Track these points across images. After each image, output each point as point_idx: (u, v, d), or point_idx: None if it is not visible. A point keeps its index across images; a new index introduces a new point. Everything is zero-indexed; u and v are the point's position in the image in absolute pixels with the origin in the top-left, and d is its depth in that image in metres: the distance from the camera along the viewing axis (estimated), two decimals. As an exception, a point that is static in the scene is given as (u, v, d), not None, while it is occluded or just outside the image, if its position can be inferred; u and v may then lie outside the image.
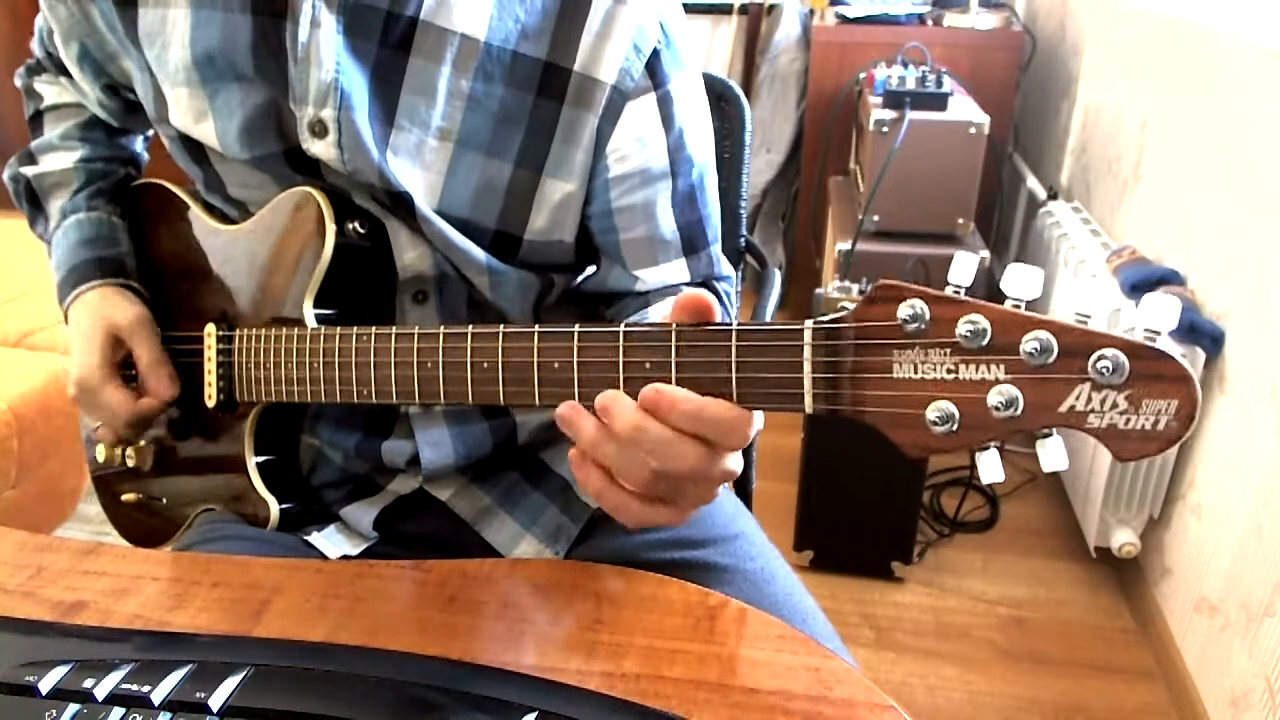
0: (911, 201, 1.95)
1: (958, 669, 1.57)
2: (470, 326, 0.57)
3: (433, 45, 0.66)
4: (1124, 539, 1.62)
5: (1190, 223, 1.55)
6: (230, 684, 0.48)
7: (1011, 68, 2.31)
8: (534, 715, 0.46)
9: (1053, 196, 2.16)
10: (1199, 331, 1.39)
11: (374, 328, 0.62)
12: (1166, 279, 1.51)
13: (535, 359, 0.55)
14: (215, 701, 0.47)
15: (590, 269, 0.80)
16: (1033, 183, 2.32)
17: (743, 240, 1.02)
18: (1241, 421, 1.34)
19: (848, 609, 1.71)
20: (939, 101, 1.93)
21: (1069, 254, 1.86)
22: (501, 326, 0.56)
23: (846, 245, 1.97)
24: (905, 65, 2.08)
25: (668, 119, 0.71)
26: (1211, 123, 1.50)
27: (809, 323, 0.47)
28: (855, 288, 1.71)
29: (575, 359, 0.54)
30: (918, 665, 1.58)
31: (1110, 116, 1.96)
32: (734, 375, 0.49)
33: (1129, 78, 1.88)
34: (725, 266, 0.79)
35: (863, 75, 2.20)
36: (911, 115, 1.89)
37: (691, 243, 0.75)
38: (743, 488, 0.98)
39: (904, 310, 0.44)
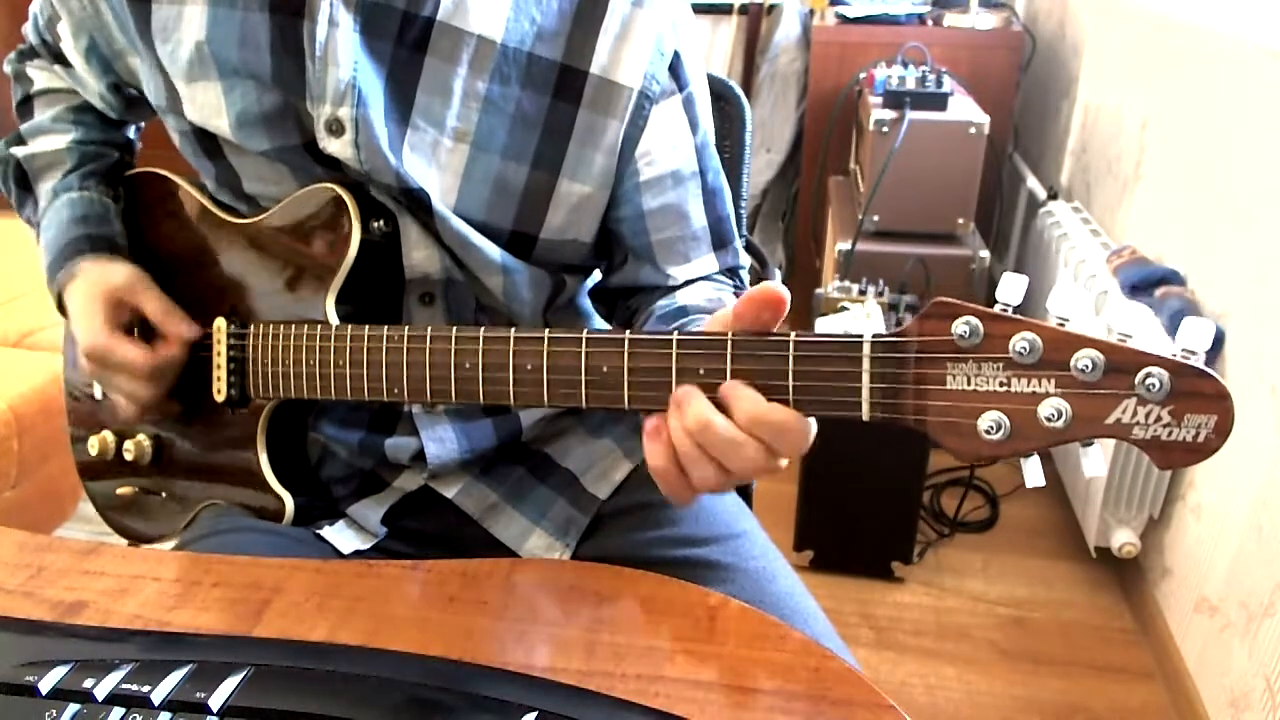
0: (911, 201, 1.95)
1: (958, 669, 1.57)
2: (512, 330, 0.58)
3: (449, 46, 0.66)
4: (1124, 539, 1.62)
5: (1190, 223, 1.55)
6: (230, 684, 0.48)
7: (1011, 68, 2.31)
8: (534, 715, 0.46)
9: (1053, 196, 2.16)
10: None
11: (405, 327, 0.62)
12: (1166, 279, 1.51)
13: (584, 363, 0.55)
14: (215, 701, 0.47)
15: (598, 273, 0.80)
16: (1033, 183, 2.32)
17: (743, 240, 1.02)
18: (1241, 422, 1.33)
19: (848, 609, 1.71)
20: (939, 101, 1.93)
21: (1069, 254, 1.86)
22: (546, 330, 0.57)
23: (846, 245, 1.97)
24: (905, 65, 2.08)
25: (693, 121, 0.72)
26: (1211, 123, 1.50)
27: (868, 335, 0.50)
28: (855, 288, 1.71)
29: (625, 364, 0.54)
30: (918, 665, 1.58)
31: (1110, 116, 1.96)
32: (790, 383, 0.51)
33: (1129, 78, 1.88)
34: (744, 256, 0.81)
35: (863, 75, 2.20)
36: (911, 115, 1.89)
37: (721, 238, 0.77)
38: (743, 488, 0.98)
39: (959, 326, 0.47)
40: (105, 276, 0.74)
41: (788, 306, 0.51)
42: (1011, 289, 0.49)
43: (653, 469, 0.54)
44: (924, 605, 1.72)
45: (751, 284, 1.00)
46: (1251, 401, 1.30)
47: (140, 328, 0.76)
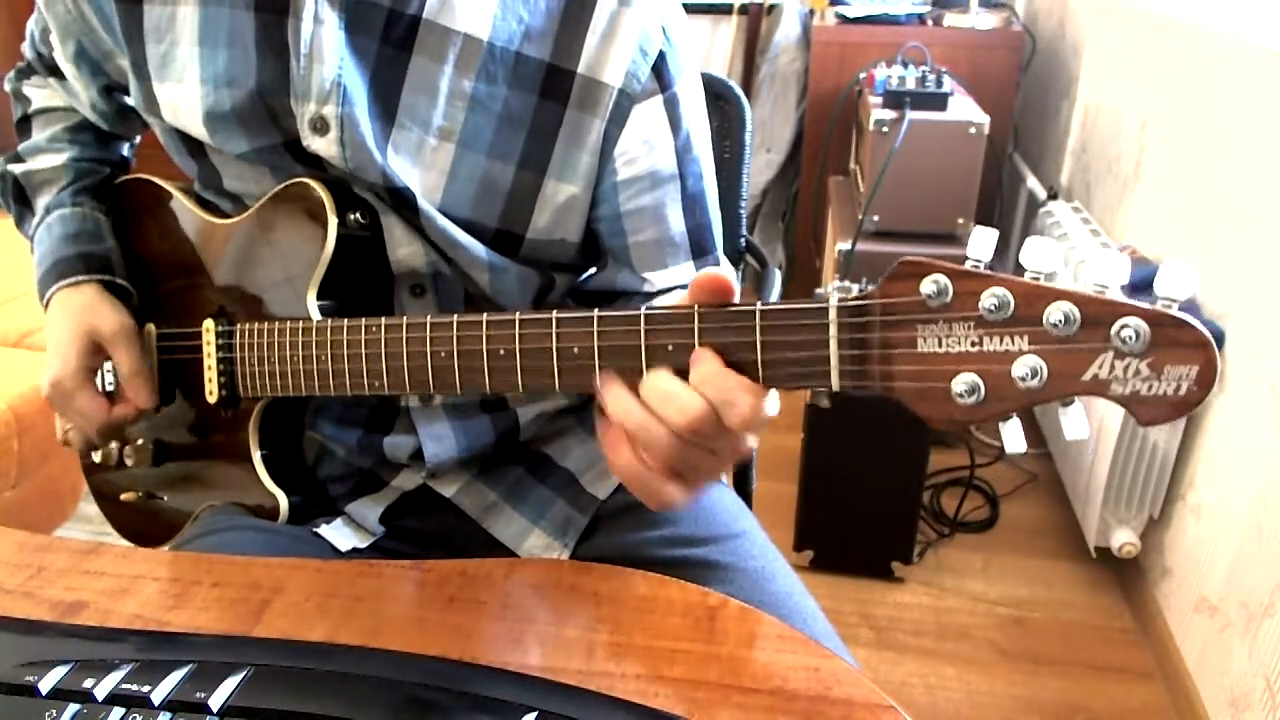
0: (911, 201, 1.95)
1: (958, 669, 1.57)
2: (485, 314, 0.57)
3: (435, 44, 0.66)
4: (1124, 539, 1.62)
5: (1190, 223, 1.55)
6: (230, 684, 0.48)
7: (1011, 68, 2.31)
8: (534, 715, 0.46)
9: (1053, 196, 2.16)
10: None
11: (383, 319, 0.62)
12: (1166, 279, 1.51)
13: (555, 344, 0.55)
14: (215, 701, 0.47)
15: (592, 269, 0.80)
16: (1033, 183, 2.32)
17: (743, 240, 1.02)
18: (1241, 421, 1.34)
19: (848, 609, 1.71)
20: (939, 101, 1.93)
21: (1069, 254, 1.86)
22: (518, 313, 0.56)
23: (846, 245, 1.97)
24: (905, 65, 2.08)
25: (675, 121, 0.71)
26: (1211, 123, 1.50)
27: (833, 300, 0.48)
28: (855, 288, 1.71)
29: (596, 343, 0.54)
30: (918, 665, 1.58)
31: (1110, 116, 1.96)
32: (759, 356, 0.50)
33: (1129, 78, 1.88)
34: (729, 270, 0.79)
35: (863, 75, 2.20)
36: (911, 115, 1.89)
37: (700, 245, 0.75)
38: (743, 488, 0.98)
39: (927, 285, 0.45)
40: (94, 317, 0.74)
41: (735, 293, 0.50)
42: (981, 244, 0.46)
43: (622, 475, 0.53)
44: (924, 605, 1.72)
45: (752, 287, 1.00)
46: (1251, 401, 1.30)
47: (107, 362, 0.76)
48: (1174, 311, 0.41)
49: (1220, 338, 1.39)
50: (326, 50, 0.64)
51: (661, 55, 0.69)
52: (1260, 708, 1.23)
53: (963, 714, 1.49)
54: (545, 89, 0.67)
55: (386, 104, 0.67)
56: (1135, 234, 1.77)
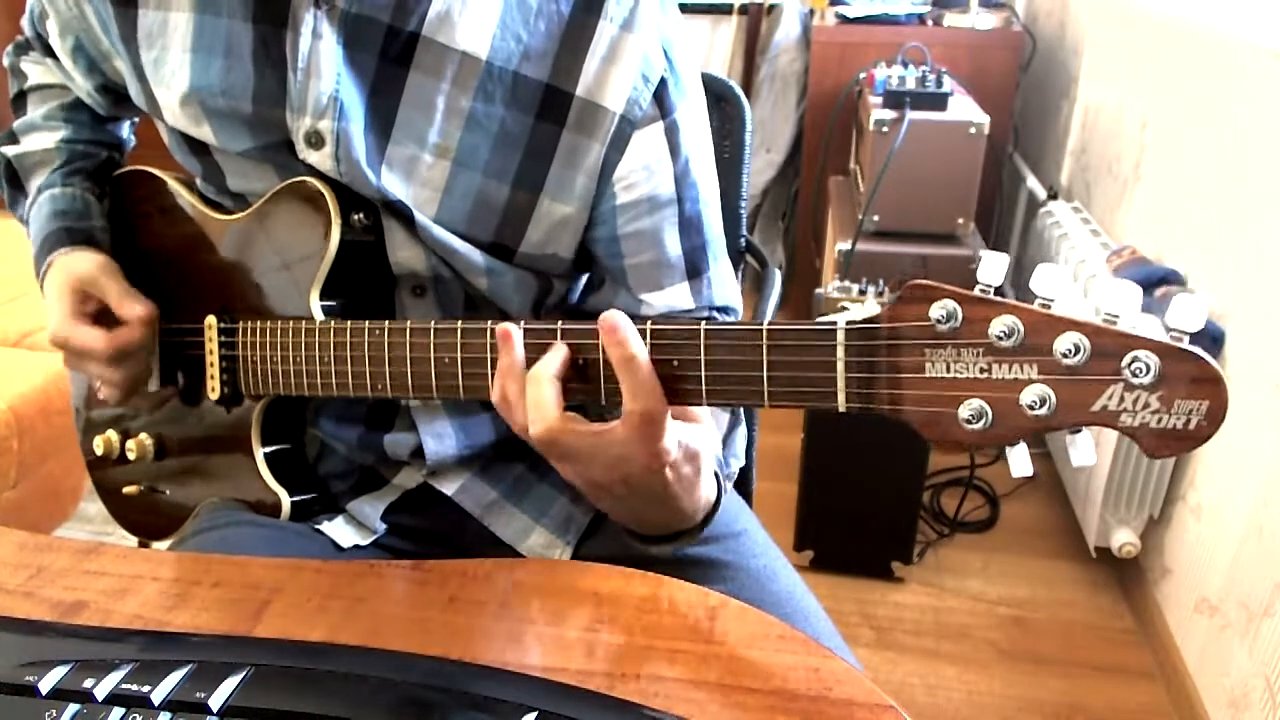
0: (911, 201, 1.95)
1: (958, 669, 1.57)
2: (489, 322, 0.57)
3: (433, 62, 0.65)
4: (1124, 539, 1.62)
5: (1190, 223, 1.55)
6: (230, 684, 0.48)
7: (1011, 68, 2.31)
8: (534, 715, 0.46)
9: (1053, 196, 2.16)
10: (1199, 331, 1.39)
11: (386, 322, 0.62)
12: (1166, 279, 1.51)
13: None
14: (215, 701, 0.47)
15: (584, 279, 0.80)
16: (1033, 183, 2.32)
17: (743, 240, 1.02)
18: (1242, 421, 1.34)
19: (848, 609, 1.71)
20: (939, 101, 1.93)
21: (1069, 254, 1.86)
22: (522, 323, 0.56)
23: (846, 245, 1.97)
24: (905, 65, 2.08)
25: (674, 147, 0.71)
26: (1211, 123, 1.50)
27: (842, 322, 0.48)
28: (855, 288, 1.71)
29: (601, 357, 0.54)
30: (918, 665, 1.58)
31: (1110, 116, 1.96)
32: (765, 374, 0.50)
33: (1129, 78, 1.88)
34: (729, 293, 0.77)
35: (863, 75, 2.20)
36: (911, 115, 1.89)
37: (694, 267, 0.75)
38: (743, 488, 0.98)
39: (936, 310, 0.45)
40: (72, 267, 0.75)
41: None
42: (992, 269, 0.46)
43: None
44: (924, 605, 1.72)
45: (752, 287, 1.00)
46: (1252, 401, 1.30)
47: (111, 315, 0.76)
48: (1186, 345, 0.41)
49: (1220, 338, 1.39)
50: (324, 65, 0.64)
51: (663, 81, 0.69)
52: (1260, 708, 1.23)
53: (963, 714, 1.49)
54: (542, 110, 0.67)
55: (383, 119, 0.66)
56: (1135, 234, 1.77)
